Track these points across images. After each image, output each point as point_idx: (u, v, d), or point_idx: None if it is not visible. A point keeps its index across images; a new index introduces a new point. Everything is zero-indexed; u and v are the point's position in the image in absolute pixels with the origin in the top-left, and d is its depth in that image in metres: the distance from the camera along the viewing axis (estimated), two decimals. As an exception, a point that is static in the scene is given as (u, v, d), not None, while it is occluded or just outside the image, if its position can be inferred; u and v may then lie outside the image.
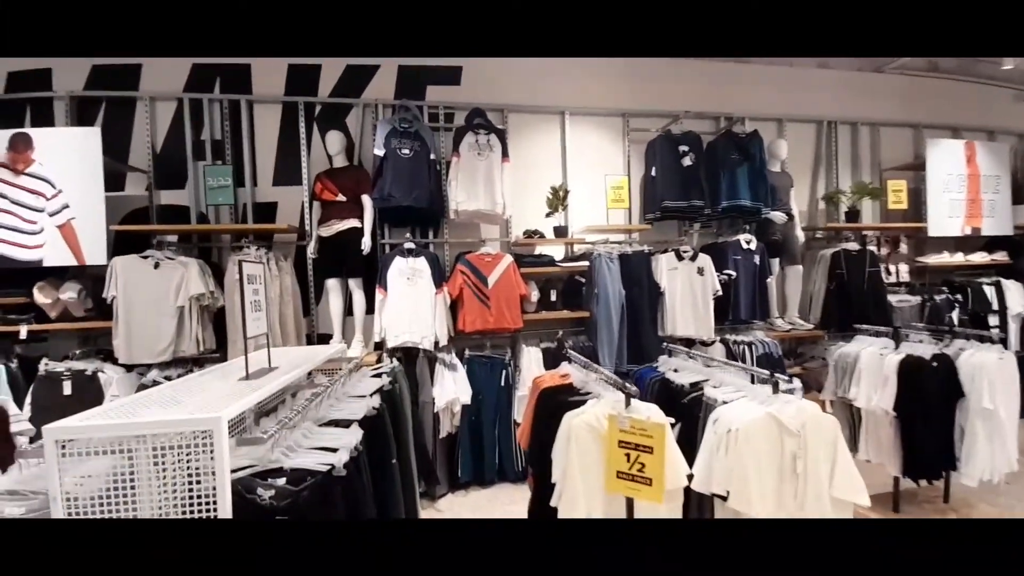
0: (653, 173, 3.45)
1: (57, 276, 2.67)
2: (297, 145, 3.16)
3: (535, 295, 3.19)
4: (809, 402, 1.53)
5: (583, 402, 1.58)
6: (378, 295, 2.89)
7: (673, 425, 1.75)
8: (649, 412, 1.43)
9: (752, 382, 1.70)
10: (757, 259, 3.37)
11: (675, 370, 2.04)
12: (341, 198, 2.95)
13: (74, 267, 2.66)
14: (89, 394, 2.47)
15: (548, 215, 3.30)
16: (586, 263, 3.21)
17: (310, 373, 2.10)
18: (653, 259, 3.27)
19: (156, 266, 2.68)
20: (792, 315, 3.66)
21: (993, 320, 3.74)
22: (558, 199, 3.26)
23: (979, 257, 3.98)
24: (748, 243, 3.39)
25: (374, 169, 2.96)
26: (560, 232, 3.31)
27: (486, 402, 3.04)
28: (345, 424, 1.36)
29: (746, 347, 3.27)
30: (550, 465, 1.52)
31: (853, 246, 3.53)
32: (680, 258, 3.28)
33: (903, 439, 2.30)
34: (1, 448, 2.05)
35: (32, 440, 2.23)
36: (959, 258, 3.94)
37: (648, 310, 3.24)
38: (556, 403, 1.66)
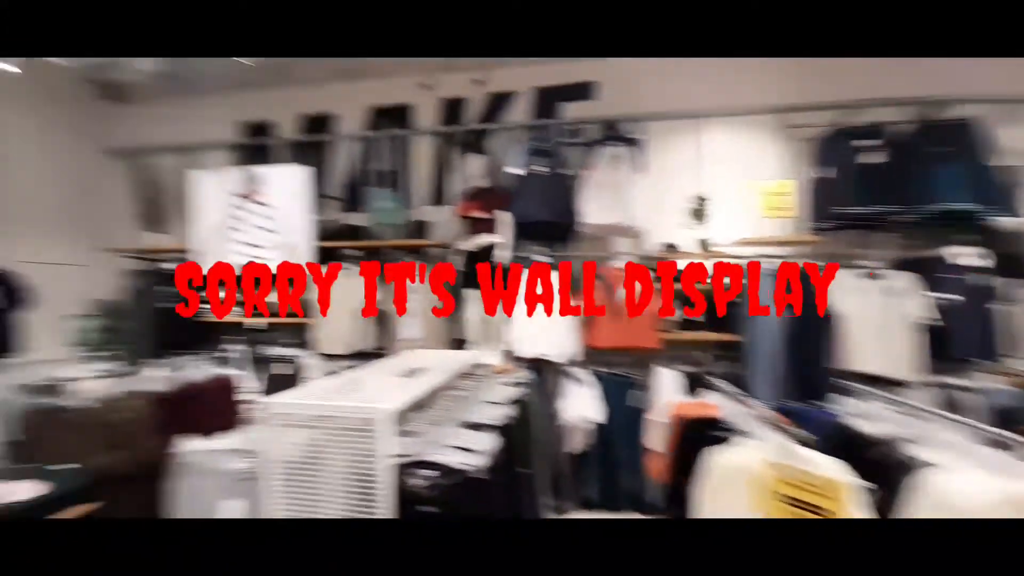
0: (824, 175, 2.92)
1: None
2: (447, 169, 3.53)
3: (674, 314, 2.96)
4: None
5: (730, 439, 1.39)
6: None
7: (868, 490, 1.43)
8: (825, 466, 1.19)
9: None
10: (982, 279, 2.58)
11: (857, 415, 1.67)
12: (482, 215, 3.19)
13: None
14: (295, 375, 3.11)
15: (690, 227, 3.05)
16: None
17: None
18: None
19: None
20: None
21: None
22: (701, 209, 3.00)
23: None
24: (968, 258, 2.62)
25: (512, 187, 3.13)
26: (704, 246, 3.03)
27: (616, 422, 2.92)
28: (482, 428, 1.44)
29: (965, 395, 2.51)
30: (687, 506, 1.37)
31: None
32: (867, 276, 2.70)
33: None
34: (231, 416, 2.71)
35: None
36: None
37: (818, 338, 2.73)
38: (699, 437, 1.50)
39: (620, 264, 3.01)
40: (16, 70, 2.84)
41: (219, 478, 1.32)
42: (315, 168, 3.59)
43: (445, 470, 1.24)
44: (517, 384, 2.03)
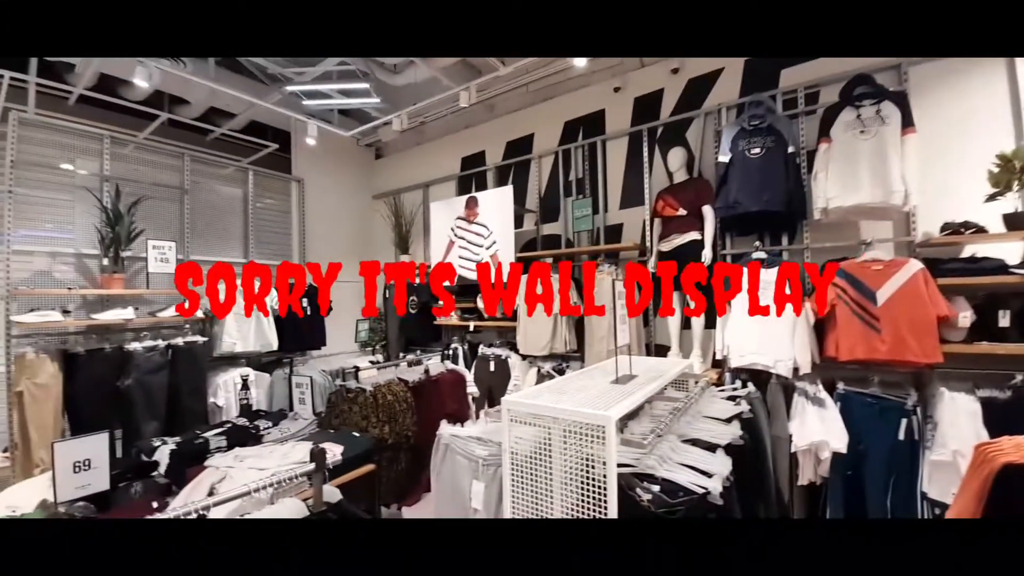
0: None
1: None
2: (640, 169, 3.42)
3: (965, 318, 2.18)
4: None
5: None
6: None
7: None
8: None
9: None
10: None
11: None
12: (682, 212, 2.97)
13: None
14: (503, 371, 3.49)
15: (991, 198, 2.20)
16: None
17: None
18: None
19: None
20: None
21: None
22: (1010, 171, 2.13)
23: None
24: None
25: (718, 177, 2.82)
26: (1017, 222, 2.14)
27: (872, 457, 2.31)
28: (706, 446, 1.33)
29: None
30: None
31: None
32: None
33: None
34: (462, 404, 3.19)
35: (475, 400, 3.35)
36: None
37: None
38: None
39: (878, 255, 2.38)
40: (313, 142, 3.97)
41: (468, 460, 1.56)
42: (517, 185, 3.98)
43: (671, 487, 1.19)
44: (735, 399, 1.80)
